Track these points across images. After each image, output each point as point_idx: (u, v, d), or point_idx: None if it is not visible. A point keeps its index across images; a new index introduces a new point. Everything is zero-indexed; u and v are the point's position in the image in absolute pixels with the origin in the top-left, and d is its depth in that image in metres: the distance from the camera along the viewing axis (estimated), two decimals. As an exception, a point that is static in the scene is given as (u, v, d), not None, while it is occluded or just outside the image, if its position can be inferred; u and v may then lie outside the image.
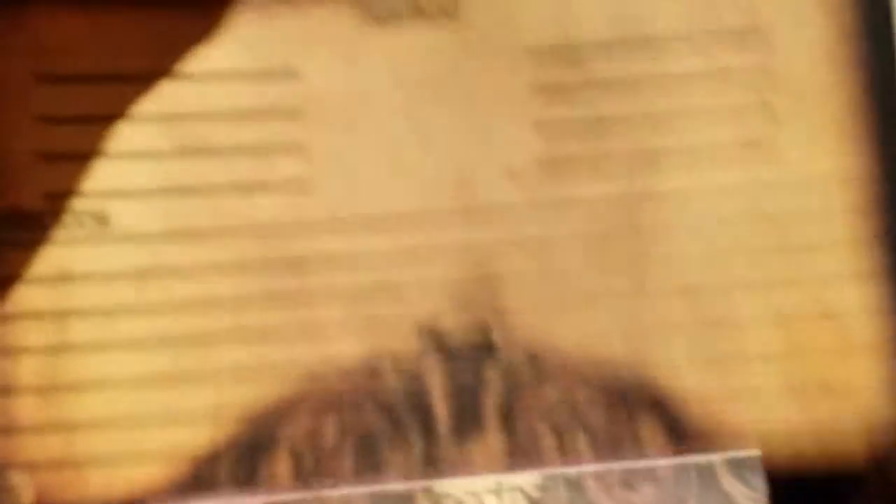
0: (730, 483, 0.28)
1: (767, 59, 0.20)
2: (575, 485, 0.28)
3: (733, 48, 0.20)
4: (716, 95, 0.20)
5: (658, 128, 0.20)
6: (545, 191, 0.20)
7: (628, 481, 0.28)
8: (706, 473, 0.28)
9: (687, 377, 0.20)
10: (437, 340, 0.20)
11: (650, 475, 0.28)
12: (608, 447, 0.20)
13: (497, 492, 0.28)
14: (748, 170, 0.20)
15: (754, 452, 0.21)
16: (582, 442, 0.20)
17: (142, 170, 0.19)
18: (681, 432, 0.20)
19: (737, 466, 0.27)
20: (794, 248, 0.20)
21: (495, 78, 0.20)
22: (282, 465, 0.19)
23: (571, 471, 0.29)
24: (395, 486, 0.29)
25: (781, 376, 0.20)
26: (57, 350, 0.19)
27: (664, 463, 0.28)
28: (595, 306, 0.20)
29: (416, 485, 0.29)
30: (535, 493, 0.27)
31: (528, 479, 0.28)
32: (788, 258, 0.20)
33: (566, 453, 0.20)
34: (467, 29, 0.20)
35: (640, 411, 0.20)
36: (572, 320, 0.20)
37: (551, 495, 0.28)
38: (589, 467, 0.28)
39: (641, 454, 0.20)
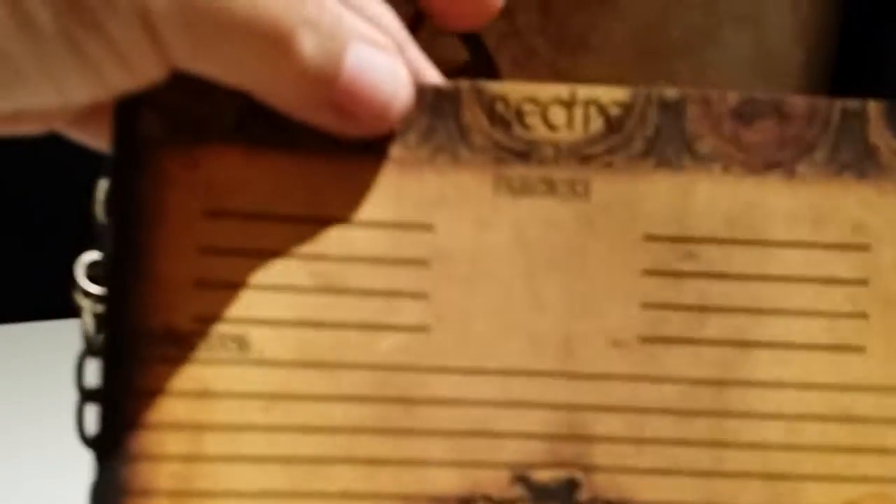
0: None
1: (869, 273, 0.22)
2: None
3: (838, 260, 0.22)
4: (815, 300, 0.22)
5: (757, 322, 0.22)
6: (644, 365, 0.22)
7: None
8: None
9: None
10: (527, 486, 0.22)
11: None
12: None
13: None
14: (835, 372, 0.22)
15: None
16: None
17: (283, 302, 0.21)
18: None
19: None
20: (870, 448, 0.22)
21: (612, 257, 0.22)
22: None
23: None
24: None
25: None
26: (191, 460, 0.21)
27: None
28: (677, 475, 0.22)
29: None
30: None
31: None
32: (864, 457, 0.22)
33: None
34: (593, 211, 0.22)
35: None
36: (654, 484, 0.22)
37: None
38: None
39: None
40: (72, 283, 0.23)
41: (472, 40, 0.31)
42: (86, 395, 0.22)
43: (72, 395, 0.25)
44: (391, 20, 0.22)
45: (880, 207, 0.22)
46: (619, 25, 0.31)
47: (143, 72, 0.19)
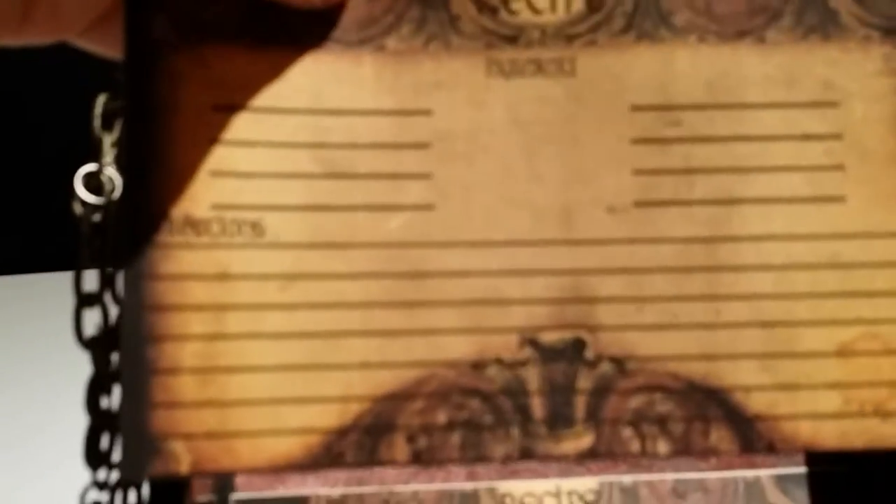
0: (776, 497, 0.30)
1: (842, 128, 0.23)
2: (629, 491, 0.31)
3: (812, 117, 0.23)
4: (794, 156, 0.23)
5: (741, 181, 0.23)
6: (639, 228, 0.23)
7: (679, 490, 0.31)
8: (753, 487, 0.30)
9: (757, 397, 0.23)
10: (536, 347, 0.23)
11: (700, 486, 0.31)
12: (684, 451, 0.23)
13: (556, 494, 0.30)
14: (819, 222, 0.23)
15: (800, 469, 0.23)
16: (662, 445, 0.22)
17: (294, 188, 0.23)
18: (751, 444, 0.22)
19: (783, 482, 0.30)
20: (860, 292, 0.23)
21: (602, 129, 0.23)
22: (399, 445, 0.22)
23: (626, 478, 0.32)
24: (461, 484, 0.33)
25: (843, 402, 0.23)
26: (214, 338, 0.22)
27: (714, 476, 0.31)
28: (677, 330, 0.23)
29: (481, 484, 0.33)
30: (591, 497, 0.30)
31: (585, 483, 0.31)
32: (854, 301, 0.23)
33: (647, 453, 0.23)
34: (581, 86, 0.23)
35: (714, 424, 0.23)
36: (656, 340, 0.23)
37: (606, 500, 0.31)
38: (643, 476, 0.31)
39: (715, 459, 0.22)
40: (71, 194, 0.24)
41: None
42: (83, 301, 0.23)
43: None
44: None
45: (846, 65, 0.23)
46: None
47: None
